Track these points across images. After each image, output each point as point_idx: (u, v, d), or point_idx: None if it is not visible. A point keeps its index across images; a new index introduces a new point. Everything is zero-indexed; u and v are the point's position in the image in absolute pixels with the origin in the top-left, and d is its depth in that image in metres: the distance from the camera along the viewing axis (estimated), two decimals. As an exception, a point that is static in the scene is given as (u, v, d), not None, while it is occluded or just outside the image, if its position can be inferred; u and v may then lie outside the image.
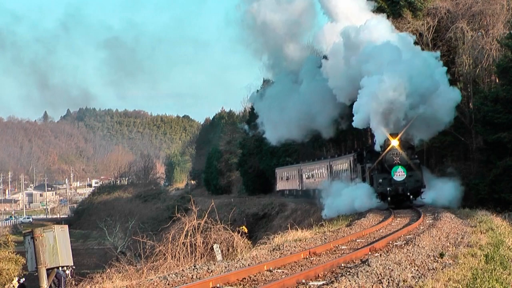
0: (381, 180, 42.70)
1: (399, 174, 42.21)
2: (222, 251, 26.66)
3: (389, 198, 42.17)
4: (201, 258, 25.85)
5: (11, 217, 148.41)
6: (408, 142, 45.04)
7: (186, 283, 14.74)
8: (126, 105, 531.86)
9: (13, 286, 26.11)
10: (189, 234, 26.95)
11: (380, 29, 50.13)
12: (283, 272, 16.41)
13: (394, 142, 42.64)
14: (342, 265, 16.73)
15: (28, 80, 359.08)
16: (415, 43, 50.26)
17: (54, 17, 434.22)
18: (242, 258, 18.71)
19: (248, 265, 17.50)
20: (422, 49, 50.71)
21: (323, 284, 13.79)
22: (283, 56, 70.90)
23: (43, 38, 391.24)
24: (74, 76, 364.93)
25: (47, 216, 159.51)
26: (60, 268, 19.68)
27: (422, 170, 44.57)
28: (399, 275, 14.44)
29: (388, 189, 42.13)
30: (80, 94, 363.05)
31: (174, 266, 23.55)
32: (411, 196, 42.31)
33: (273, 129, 68.71)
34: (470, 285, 13.99)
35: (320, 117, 62.05)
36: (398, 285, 13.61)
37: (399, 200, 42.49)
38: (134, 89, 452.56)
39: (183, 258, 25.73)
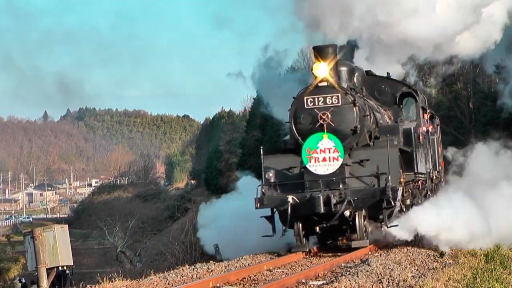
0: (271, 174, 18.26)
1: (321, 157, 17.52)
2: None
3: (299, 225, 17.86)
4: (201, 258, 25.87)
5: (11, 216, 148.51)
6: (391, 79, 21.96)
7: (186, 282, 14.72)
8: (126, 104, 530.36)
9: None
10: (189, 234, 27.00)
11: None
12: (283, 271, 16.39)
13: (321, 70, 17.72)
14: (342, 264, 16.72)
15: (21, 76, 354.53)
16: None
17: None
18: (242, 258, 18.69)
19: (248, 264, 17.49)
20: None
21: (323, 284, 13.78)
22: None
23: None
24: (68, 73, 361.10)
25: (47, 215, 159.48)
26: (60, 268, 19.70)
27: (420, 148, 20.68)
28: (399, 275, 14.44)
29: (288, 199, 17.48)
30: (74, 92, 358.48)
31: (174, 266, 23.57)
32: (356, 220, 17.96)
33: None
34: (470, 284, 13.99)
35: None
36: (398, 285, 13.60)
37: (324, 229, 18.32)
38: (133, 89, 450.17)
39: (183, 257, 25.76)
